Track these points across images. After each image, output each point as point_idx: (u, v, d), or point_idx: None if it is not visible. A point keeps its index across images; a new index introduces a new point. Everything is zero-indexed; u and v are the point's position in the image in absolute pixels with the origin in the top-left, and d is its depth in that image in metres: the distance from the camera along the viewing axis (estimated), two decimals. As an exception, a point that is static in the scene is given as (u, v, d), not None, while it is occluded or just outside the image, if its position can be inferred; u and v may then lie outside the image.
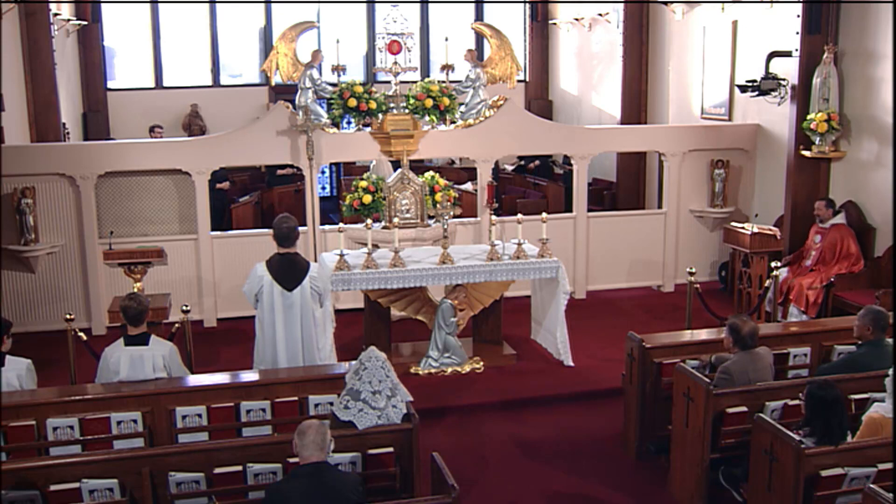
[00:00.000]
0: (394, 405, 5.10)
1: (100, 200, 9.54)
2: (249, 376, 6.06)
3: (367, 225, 8.13)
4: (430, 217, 9.20)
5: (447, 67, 9.81)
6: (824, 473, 4.81)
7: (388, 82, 9.56)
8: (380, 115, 9.55)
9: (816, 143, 9.48)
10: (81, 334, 7.11)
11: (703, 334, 6.92)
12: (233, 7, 17.00)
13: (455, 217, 9.42)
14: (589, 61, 15.77)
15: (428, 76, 11.71)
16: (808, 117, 9.47)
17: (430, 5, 17.67)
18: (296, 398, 5.76)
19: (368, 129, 9.76)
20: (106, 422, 5.46)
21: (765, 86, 9.96)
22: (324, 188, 16.70)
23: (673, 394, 6.04)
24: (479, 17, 17.55)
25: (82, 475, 4.71)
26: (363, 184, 9.46)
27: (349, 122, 10.09)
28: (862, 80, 9.27)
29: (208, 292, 9.71)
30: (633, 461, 6.58)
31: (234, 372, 6.36)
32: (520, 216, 8.39)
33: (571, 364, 8.29)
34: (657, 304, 10.42)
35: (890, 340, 5.96)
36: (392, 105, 9.50)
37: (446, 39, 9.82)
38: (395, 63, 9.31)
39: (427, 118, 9.58)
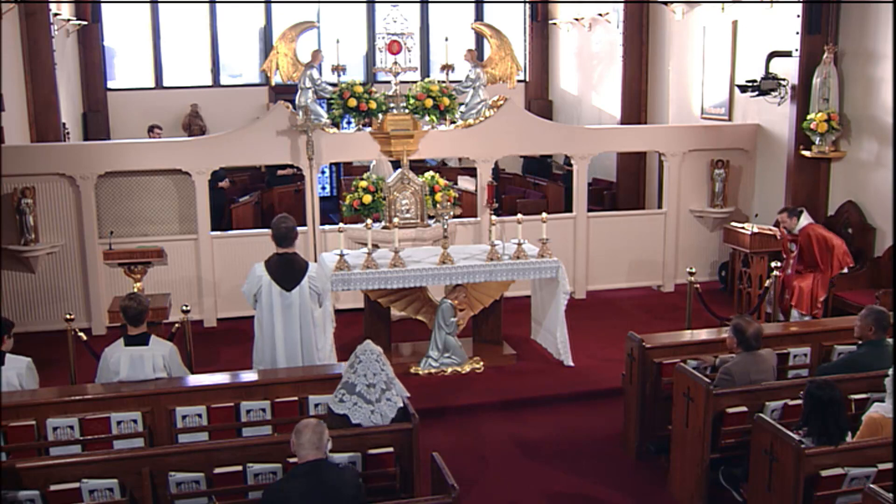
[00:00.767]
0: (388, 398, 5.10)
1: (100, 200, 9.54)
2: (249, 376, 6.06)
3: (367, 225, 8.13)
4: (430, 217, 9.20)
5: (447, 67, 9.81)
6: (824, 473, 4.81)
7: (388, 82, 9.56)
8: (380, 115, 9.55)
9: (816, 143, 9.49)
10: (81, 334, 7.12)
11: (703, 334, 6.92)
12: (233, 7, 17.00)
13: (455, 217, 9.42)
14: (589, 61, 15.77)
15: (428, 76, 11.71)
16: (808, 117, 9.48)
17: (430, 5, 17.67)
18: (295, 398, 5.76)
19: (368, 129, 9.76)
20: (106, 422, 5.46)
21: (765, 86, 9.97)
22: (324, 188, 16.71)
23: (673, 394, 6.04)
24: (479, 17, 17.55)
25: (82, 475, 4.71)
26: (363, 184, 9.46)
27: (349, 122, 10.09)
28: (862, 80, 9.28)
29: (208, 292, 9.71)
30: (633, 461, 6.57)
31: (234, 372, 6.36)
32: (520, 216, 8.38)
33: (571, 364, 8.29)
34: (657, 304, 10.42)
35: (891, 340, 5.96)
36: (392, 105, 9.50)
37: (446, 39, 9.82)
38: (395, 63, 9.31)
39: (427, 118, 9.58)
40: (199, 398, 5.65)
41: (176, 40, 16.93)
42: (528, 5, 17.67)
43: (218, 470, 4.87)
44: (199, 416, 5.60)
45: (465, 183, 13.75)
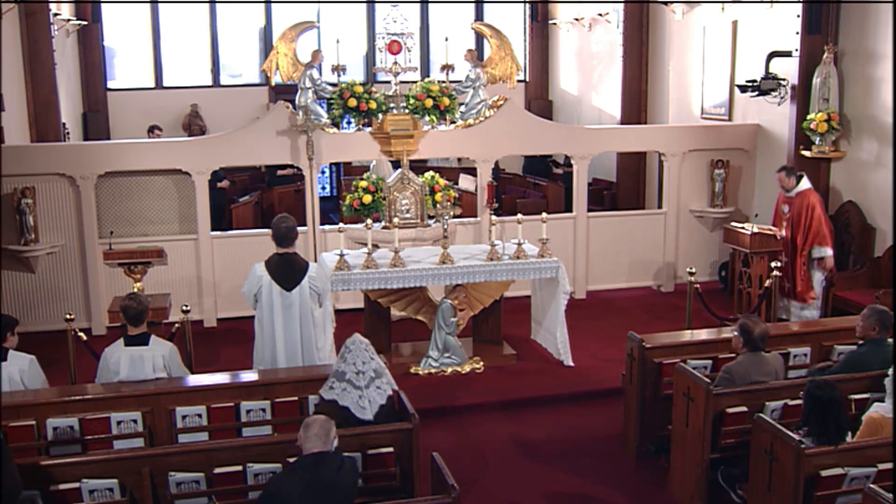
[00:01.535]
0: (377, 386, 5.15)
1: (100, 200, 9.54)
2: (249, 376, 6.06)
3: (367, 225, 8.13)
4: (430, 217, 9.20)
5: (447, 67, 9.81)
6: (824, 473, 4.81)
7: (388, 82, 9.56)
8: (380, 115, 9.55)
9: (816, 143, 9.49)
10: (81, 334, 7.12)
11: (703, 334, 6.93)
12: (233, 7, 17.00)
13: (455, 217, 9.42)
14: (589, 61, 15.77)
15: (428, 76, 11.71)
16: (808, 117, 9.48)
17: (430, 5, 17.66)
18: (296, 398, 5.76)
19: (368, 129, 9.76)
20: (106, 422, 5.46)
21: (765, 86, 9.96)
22: (324, 188, 16.70)
23: (673, 394, 6.04)
24: (479, 17, 17.55)
25: (82, 475, 4.71)
26: (363, 184, 9.47)
27: (349, 122, 10.08)
28: (862, 80, 9.28)
29: (208, 292, 9.71)
30: (633, 461, 6.57)
31: (234, 372, 6.35)
32: (520, 216, 8.38)
33: (571, 364, 8.29)
34: (657, 304, 10.42)
35: (892, 340, 5.97)
36: (392, 105, 9.49)
37: (446, 39, 9.82)
38: (395, 63, 9.31)
39: (427, 118, 9.58)
40: (199, 398, 5.65)
41: (176, 40, 16.92)
42: (528, 5, 17.67)
43: (218, 470, 4.87)
44: (199, 416, 5.60)
45: (465, 182, 13.75)
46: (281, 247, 6.56)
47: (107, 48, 16.37)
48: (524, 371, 8.23)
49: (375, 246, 8.31)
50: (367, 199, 9.35)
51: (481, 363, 8.25)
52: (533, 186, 14.97)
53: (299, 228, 6.89)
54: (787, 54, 9.84)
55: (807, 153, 9.53)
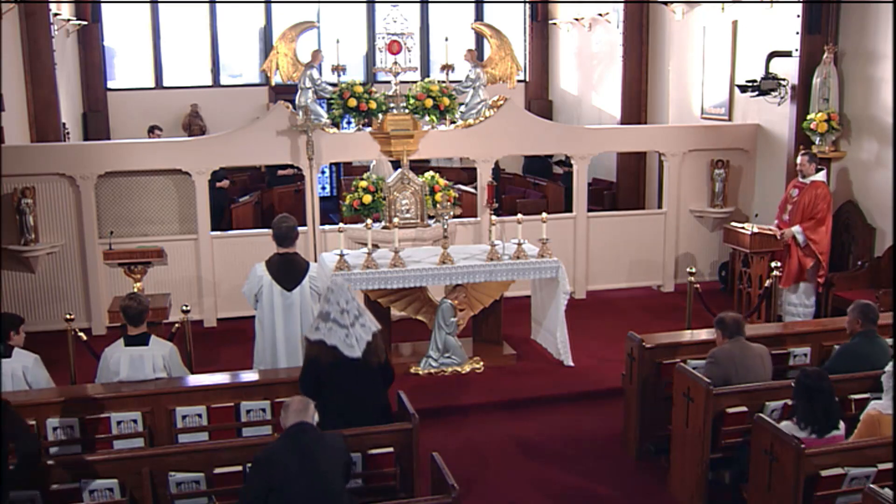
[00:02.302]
0: (362, 324, 5.21)
1: (100, 200, 9.54)
2: (249, 376, 6.06)
3: (367, 225, 8.13)
4: (430, 217, 9.20)
5: (447, 67, 9.81)
6: (824, 473, 4.81)
7: (388, 82, 9.56)
8: (380, 115, 9.55)
9: (816, 143, 9.49)
10: (81, 334, 7.12)
11: (703, 334, 6.91)
12: (233, 7, 17.00)
13: (455, 217, 9.42)
14: (589, 61, 15.77)
15: (428, 76, 11.71)
16: (808, 117, 9.48)
17: (430, 5, 17.67)
18: (296, 398, 5.76)
19: (368, 129, 9.76)
20: (106, 422, 5.47)
21: (765, 86, 9.96)
22: (324, 188, 16.70)
23: (673, 394, 6.04)
24: (479, 17, 17.55)
25: (82, 475, 4.71)
26: (363, 184, 9.46)
27: (349, 122, 10.08)
28: (862, 80, 9.28)
29: (208, 292, 9.71)
30: (633, 461, 6.58)
31: (234, 372, 6.36)
32: (520, 216, 8.39)
33: (571, 364, 8.29)
34: (657, 304, 10.42)
35: (889, 341, 5.98)
36: (392, 105, 9.50)
37: (446, 39, 9.82)
38: (395, 63, 9.31)
39: (427, 118, 9.58)
40: (199, 398, 5.66)
41: (176, 40, 16.93)
42: (528, 5, 17.67)
43: (218, 470, 4.87)
44: (199, 416, 5.61)
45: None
46: (281, 247, 6.57)
47: (107, 48, 16.37)
48: (524, 371, 8.23)
49: (375, 246, 8.31)
50: (367, 199, 9.35)
51: (481, 363, 8.25)
52: (533, 186, 14.97)
53: (299, 228, 6.89)
54: (787, 54, 9.84)
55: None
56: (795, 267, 8.83)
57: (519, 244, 8.20)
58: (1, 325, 5.71)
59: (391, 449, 5.11)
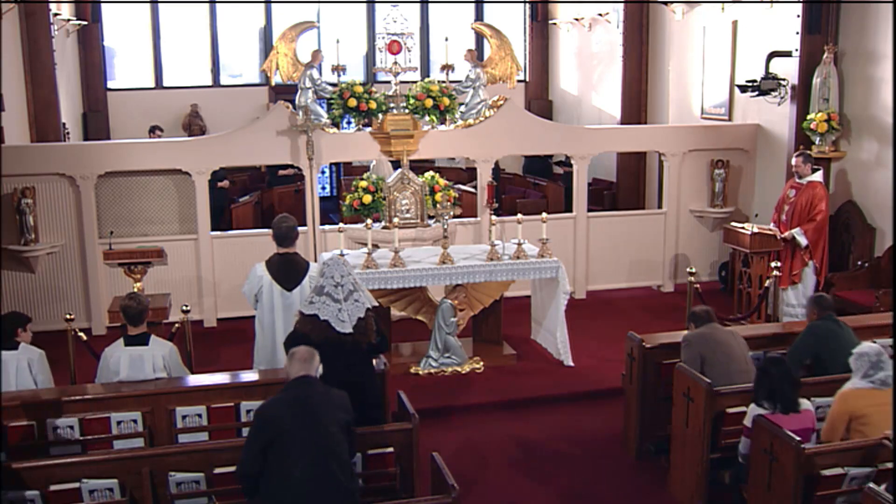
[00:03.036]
0: (356, 300, 5.30)
1: (100, 200, 9.54)
2: (249, 376, 6.05)
3: (367, 225, 8.14)
4: (430, 217, 9.20)
5: (447, 67, 9.81)
6: (824, 473, 4.81)
7: (388, 82, 9.56)
8: (380, 115, 9.55)
9: (816, 143, 9.49)
10: (81, 334, 7.12)
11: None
12: (233, 7, 17.01)
13: (455, 217, 9.42)
14: (589, 61, 15.77)
15: (428, 76, 11.71)
16: (808, 117, 9.48)
17: (430, 5, 17.67)
18: (296, 398, 5.75)
19: (368, 129, 9.76)
20: (106, 422, 5.46)
21: (765, 86, 9.96)
22: (324, 188, 16.71)
23: (673, 394, 6.04)
24: (479, 17, 17.55)
25: (82, 475, 4.71)
26: (363, 184, 9.46)
27: (349, 122, 10.08)
28: (862, 80, 9.28)
29: (208, 292, 9.71)
30: (633, 461, 6.58)
31: (234, 372, 6.35)
32: (520, 216, 8.39)
33: (571, 364, 8.29)
34: (657, 304, 10.42)
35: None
36: (392, 105, 9.50)
37: (446, 39, 9.82)
38: (395, 63, 9.31)
39: (427, 118, 9.58)
40: (199, 398, 5.65)
41: (176, 40, 16.93)
42: (528, 5, 17.67)
43: (218, 470, 4.87)
44: (199, 416, 5.60)
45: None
46: (281, 247, 6.56)
47: (107, 48, 16.37)
48: (524, 371, 8.23)
49: (375, 246, 8.31)
50: (367, 199, 9.35)
51: (481, 363, 8.25)
52: (533, 186, 14.97)
53: (299, 228, 6.88)
54: (787, 54, 9.84)
55: (810, 153, 9.51)
56: (795, 267, 8.82)
57: (519, 244, 8.20)
58: (10, 323, 5.86)
59: (391, 449, 5.11)
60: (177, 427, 5.59)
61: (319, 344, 5.03)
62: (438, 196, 9.07)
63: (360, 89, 9.48)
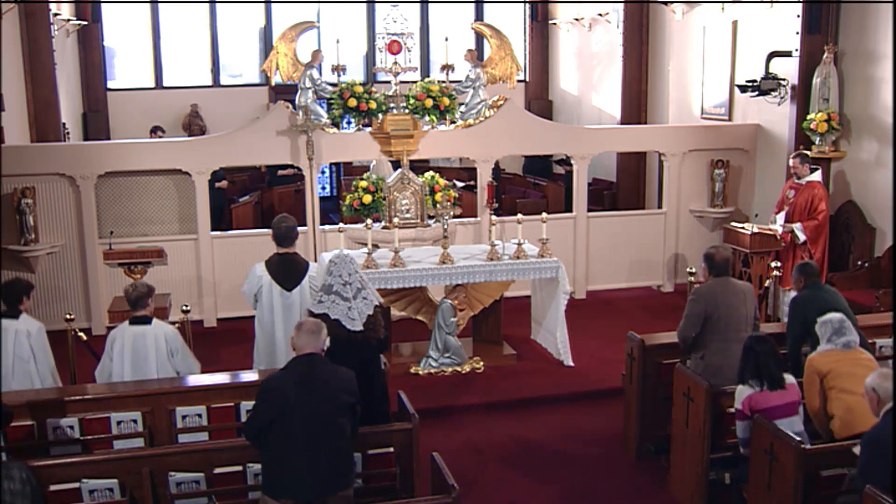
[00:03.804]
0: (364, 297, 5.35)
1: (100, 200, 9.54)
2: (249, 376, 6.05)
3: (367, 225, 8.14)
4: (430, 217, 9.20)
5: (447, 67, 9.81)
6: (824, 473, 4.81)
7: (388, 82, 9.57)
8: (380, 115, 9.55)
9: (816, 143, 9.49)
10: (81, 334, 7.13)
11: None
12: (233, 7, 17.01)
13: (455, 217, 9.42)
14: (589, 61, 15.77)
15: (428, 76, 11.71)
16: (808, 117, 9.48)
17: (430, 5, 17.67)
18: (296, 398, 5.75)
19: (368, 129, 9.76)
20: (106, 422, 5.47)
21: (765, 86, 9.97)
22: (324, 188, 16.70)
23: (673, 394, 6.04)
24: (479, 17, 17.55)
25: (82, 475, 4.71)
26: (363, 184, 9.47)
27: (349, 122, 10.09)
28: (862, 80, 9.28)
29: (208, 292, 9.71)
30: (633, 461, 6.58)
31: (234, 372, 6.35)
32: (520, 216, 8.39)
33: (571, 364, 8.29)
34: (657, 304, 10.42)
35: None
36: (392, 105, 9.50)
37: (446, 39, 9.82)
38: (395, 63, 9.31)
39: (427, 118, 9.58)
40: (199, 398, 5.65)
41: (176, 40, 16.93)
42: (528, 5, 17.67)
43: (218, 470, 4.88)
44: (199, 416, 5.60)
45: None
46: (281, 247, 6.56)
47: (107, 48, 16.37)
48: (524, 371, 8.23)
49: (375, 246, 8.31)
50: (367, 199, 9.35)
51: (481, 363, 8.25)
52: (533, 186, 14.97)
53: (299, 228, 6.89)
54: (787, 54, 9.84)
55: (807, 153, 9.52)
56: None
57: (519, 244, 8.20)
58: (15, 290, 5.96)
59: (391, 449, 5.12)
60: (177, 427, 5.59)
61: (332, 341, 5.04)
62: (438, 196, 9.07)
63: (360, 89, 9.48)
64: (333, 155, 10.10)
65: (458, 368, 8.16)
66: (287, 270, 6.53)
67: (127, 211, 9.64)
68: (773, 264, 8.53)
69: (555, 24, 17.19)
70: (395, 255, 7.97)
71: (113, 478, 4.73)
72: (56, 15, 12.99)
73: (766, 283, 8.56)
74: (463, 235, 10.07)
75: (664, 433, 6.29)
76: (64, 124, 12.91)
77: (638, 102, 13.84)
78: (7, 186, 9.09)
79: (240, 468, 4.90)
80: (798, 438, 4.86)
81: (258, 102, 16.74)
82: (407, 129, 9.45)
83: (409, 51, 9.42)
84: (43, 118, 11.96)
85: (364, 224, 8.29)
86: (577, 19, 15.90)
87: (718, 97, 11.56)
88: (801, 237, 8.70)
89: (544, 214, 8.40)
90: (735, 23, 11.12)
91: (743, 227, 9.43)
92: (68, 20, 14.25)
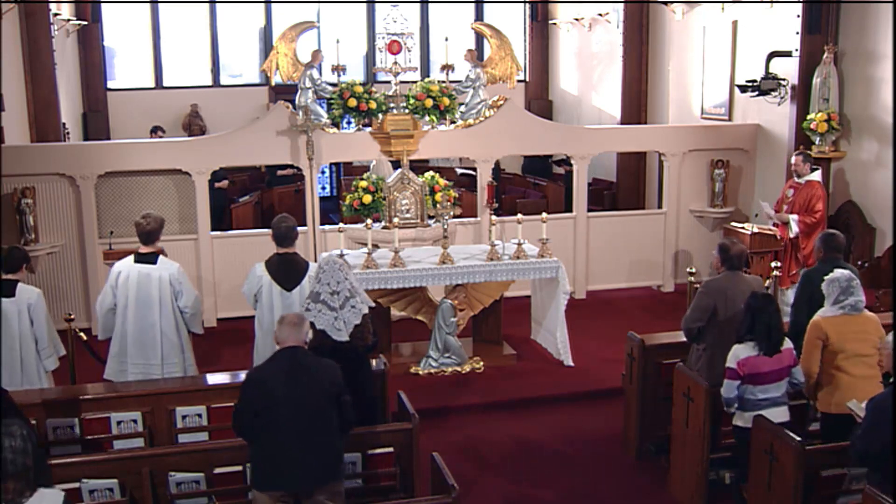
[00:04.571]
0: (352, 306, 5.23)
1: (100, 200, 9.54)
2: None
3: (367, 225, 8.14)
4: (430, 217, 9.20)
5: (447, 67, 9.81)
6: (824, 473, 4.82)
7: (388, 82, 9.56)
8: (380, 115, 9.55)
9: (816, 143, 9.49)
10: (81, 334, 7.13)
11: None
12: (233, 7, 17.01)
13: (455, 217, 9.42)
14: (589, 61, 15.77)
15: (428, 76, 11.71)
16: (808, 117, 9.48)
17: (430, 5, 17.67)
18: (296, 398, 5.75)
19: (368, 129, 9.76)
20: (106, 422, 5.47)
21: (765, 86, 9.96)
22: (324, 188, 16.70)
23: (673, 394, 6.04)
24: (479, 17, 17.55)
25: (82, 475, 4.72)
26: (363, 184, 9.47)
27: (349, 122, 10.09)
28: (862, 80, 9.28)
29: (208, 292, 9.71)
30: (633, 461, 6.58)
31: (234, 372, 6.34)
32: (520, 216, 8.39)
33: (571, 364, 8.29)
34: (657, 304, 10.42)
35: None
36: (392, 105, 9.50)
37: (446, 39, 9.82)
38: (395, 63, 9.31)
39: (427, 118, 9.58)
40: (199, 398, 5.66)
41: (176, 40, 16.93)
42: (528, 5, 17.67)
43: (218, 470, 4.88)
44: (199, 416, 5.61)
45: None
46: (281, 247, 6.56)
47: (107, 48, 16.37)
48: (524, 371, 8.23)
49: (375, 246, 8.31)
50: (367, 199, 9.35)
51: (481, 363, 8.25)
52: (533, 186, 14.97)
53: (299, 228, 6.89)
54: (787, 54, 9.84)
55: (809, 152, 9.51)
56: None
57: (519, 244, 8.20)
58: (15, 257, 5.99)
59: (391, 449, 5.11)
60: (177, 427, 5.59)
61: (316, 350, 5.04)
62: (438, 196, 9.07)
63: (360, 89, 9.48)
64: (333, 155, 10.10)
65: (458, 368, 8.16)
66: (287, 270, 6.53)
67: (127, 211, 9.63)
68: (773, 264, 8.53)
69: (555, 24, 17.19)
70: (395, 255, 7.97)
71: (113, 478, 4.74)
72: (56, 15, 12.99)
73: (767, 283, 8.55)
74: (463, 235, 10.07)
75: (664, 433, 6.29)
76: (64, 124, 12.91)
77: (638, 102, 13.84)
78: (7, 186, 9.09)
79: (240, 468, 4.90)
80: (798, 440, 4.86)
81: (258, 102, 16.74)
82: (407, 129, 9.45)
83: (409, 51, 9.42)
84: (43, 118, 11.96)
85: (364, 224, 8.28)
86: (577, 19, 15.90)
87: (718, 97, 11.56)
88: (795, 229, 8.68)
89: (544, 214, 8.40)
90: (735, 23, 11.12)
91: (743, 227, 9.43)
92: (68, 20, 14.26)
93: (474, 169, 10.78)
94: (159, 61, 16.83)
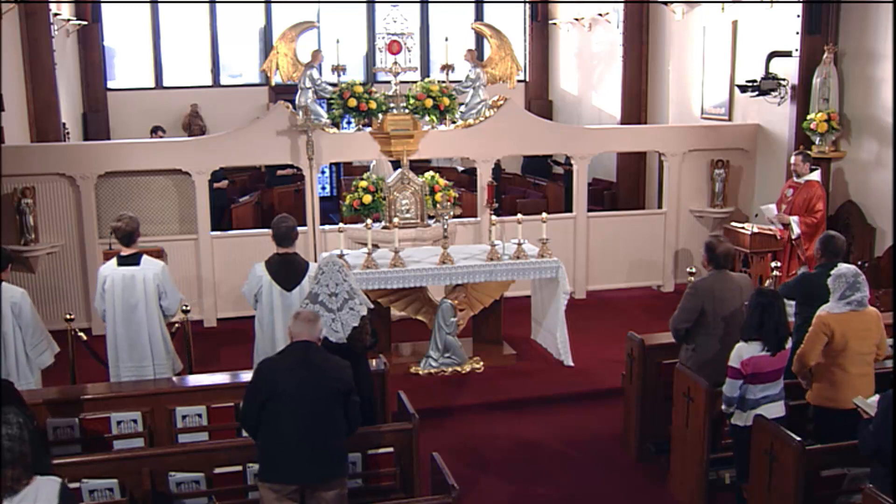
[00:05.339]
0: (350, 308, 5.25)
1: (100, 200, 9.54)
2: (249, 376, 6.03)
3: (367, 225, 8.14)
4: (430, 217, 9.21)
5: (447, 67, 9.81)
6: (824, 473, 4.82)
7: (388, 82, 9.56)
8: (380, 115, 9.55)
9: (816, 143, 9.49)
10: (81, 334, 7.13)
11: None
12: (233, 7, 17.00)
13: (455, 217, 9.42)
14: (589, 61, 15.77)
15: (428, 76, 11.71)
16: (808, 117, 9.48)
17: (430, 5, 17.66)
18: (296, 398, 5.75)
19: (368, 129, 9.76)
20: (106, 422, 5.47)
21: (765, 86, 9.96)
22: (324, 188, 16.70)
23: (673, 394, 6.04)
24: (479, 17, 17.55)
25: (82, 475, 4.71)
26: (363, 184, 9.47)
27: (349, 122, 10.09)
28: (862, 80, 9.28)
29: (208, 292, 9.71)
30: (633, 461, 6.58)
31: (234, 372, 6.35)
32: (520, 216, 8.39)
33: (571, 364, 8.29)
34: (657, 304, 10.41)
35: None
36: (392, 105, 9.50)
37: (446, 39, 9.82)
38: (395, 63, 9.31)
39: (427, 118, 9.58)
40: (199, 398, 5.66)
41: (176, 40, 16.92)
42: (528, 5, 17.66)
43: (218, 470, 4.88)
44: (199, 416, 5.61)
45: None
46: (281, 247, 6.56)
47: (107, 48, 16.36)
48: (524, 371, 8.23)
49: (375, 246, 8.31)
50: (367, 199, 9.35)
51: (481, 363, 8.25)
52: (533, 186, 14.97)
53: (299, 228, 6.88)
54: (787, 54, 9.84)
55: (809, 152, 9.51)
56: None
57: (519, 244, 8.20)
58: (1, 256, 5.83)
59: (391, 449, 5.12)
60: (177, 427, 5.59)
61: None
62: (438, 196, 9.07)
63: (360, 89, 9.48)
64: (333, 155, 10.10)
65: (458, 368, 8.16)
66: (287, 270, 6.52)
67: (127, 211, 9.61)
68: (773, 264, 8.53)
69: (555, 24, 17.18)
70: (395, 255, 7.97)
71: (113, 478, 4.73)
72: (56, 15, 12.99)
73: (766, 284, 8.56)
74: (463, 235, 10.07)
75: (664, 433, 6.29)
76: (64, 124, 12.91)
77: (638, 102, 13.84)
78: (7, 186, 9.09)
79: (240, 468, 4.90)
80: (798, 440, 4.86)
81: (258, 102, 16.74)
82: (407, 129, 9.45)
83: (409, 51, 9.42)
84: (43, 118, 11.95)
85: (364, 224, 8.29)
86: (577, 19, 15.90)
87: (718, 97, 11.56)
88: (797, 230, 8.69)
89: (544, 214, 8.40)
90: (735, 23, 11.12)
91: (743, 227, 9.43)
92: (68, 20, 14.25)
93: (474, 169, 10.78)
94: (159, 61, 16.82)
